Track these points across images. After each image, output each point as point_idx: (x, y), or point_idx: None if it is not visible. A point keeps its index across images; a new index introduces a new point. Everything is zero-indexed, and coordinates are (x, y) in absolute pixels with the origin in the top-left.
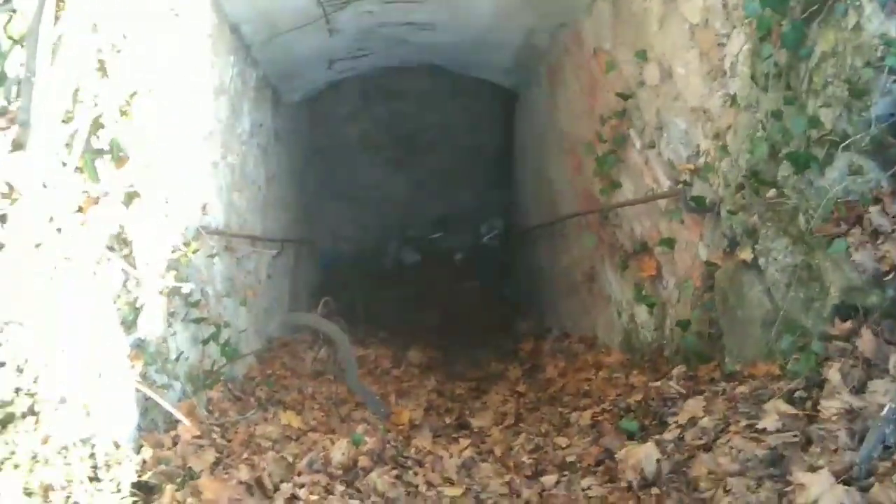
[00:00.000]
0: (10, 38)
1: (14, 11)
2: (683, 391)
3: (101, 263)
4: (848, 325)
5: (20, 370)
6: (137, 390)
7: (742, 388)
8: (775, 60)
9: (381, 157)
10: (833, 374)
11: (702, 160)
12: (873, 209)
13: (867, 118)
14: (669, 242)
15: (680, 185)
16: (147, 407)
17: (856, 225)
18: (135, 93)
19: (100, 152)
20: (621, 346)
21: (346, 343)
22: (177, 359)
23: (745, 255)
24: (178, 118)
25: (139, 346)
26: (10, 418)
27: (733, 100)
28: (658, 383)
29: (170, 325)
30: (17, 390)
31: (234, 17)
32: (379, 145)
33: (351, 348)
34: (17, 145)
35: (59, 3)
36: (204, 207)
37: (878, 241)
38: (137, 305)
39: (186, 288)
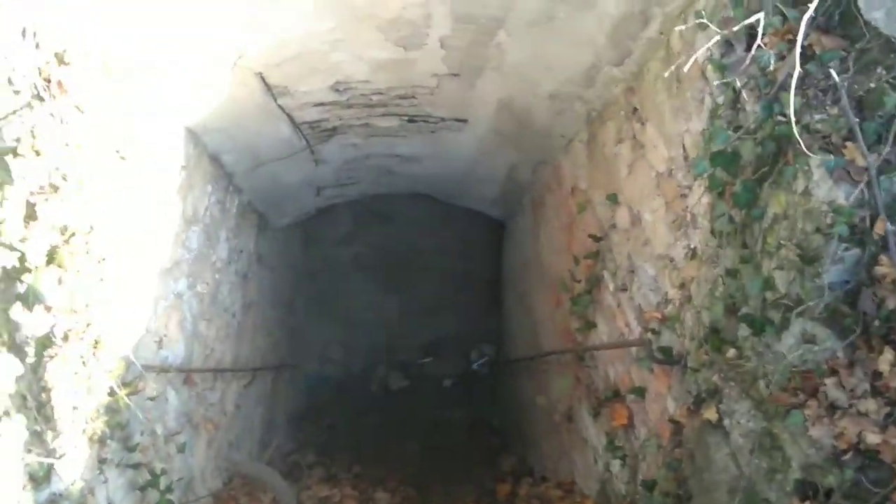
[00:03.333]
0: None
1: None
2: None
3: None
4: None
5: None
6: None
7: None
8: (731, 217)
9: (373, 280)
10: None
11: (669, 309)
12: (829, 381)
13: (820, 285)
14: (640, 391)
15: (648, 333)
16: None
17: (813, 396)
18: (73, 234)
19: (16, 298)
20: (598, 496)
21: (291, 497)
22: None
23: (710, 414)
24: (134, 253)
25: (53, 502)
26: None
27: (694, 252)
28: None
29: (100, 473)
30: None
31: (213, 148)
32: (371, 268)
33: (295, 501)
34: None
35: None
36: (160, 342)
37: (836, 417)
38: (56, 457)
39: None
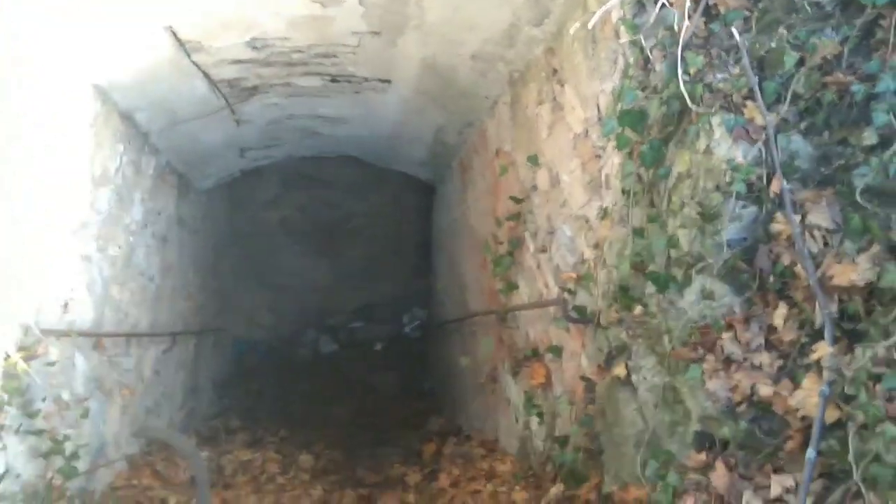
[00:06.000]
0: None
1: None
2: None
3: None
4: (703, 456)
5: None
6: None
7: None
8: (640, 177)
9: (303, 243)
10: None
11: (584, 269)
12: (726, 336)
13: (719, 242)
14: (557, 351)
15: (565, 293)
16: None
17: (711, 351)
18: None
19: None
20: (518, 452)
21: (200, 461)
22: (1, 478)
23: (620, 371)
24: (35, 213)
25: None
26: None
27: (606, 212)
28: None
29: None
30: None
31: (125, 105)
32: (300, 232)
33: (204, 466)
34: None
35: None
36: (66, 305)
37: (731, 370)
38: None
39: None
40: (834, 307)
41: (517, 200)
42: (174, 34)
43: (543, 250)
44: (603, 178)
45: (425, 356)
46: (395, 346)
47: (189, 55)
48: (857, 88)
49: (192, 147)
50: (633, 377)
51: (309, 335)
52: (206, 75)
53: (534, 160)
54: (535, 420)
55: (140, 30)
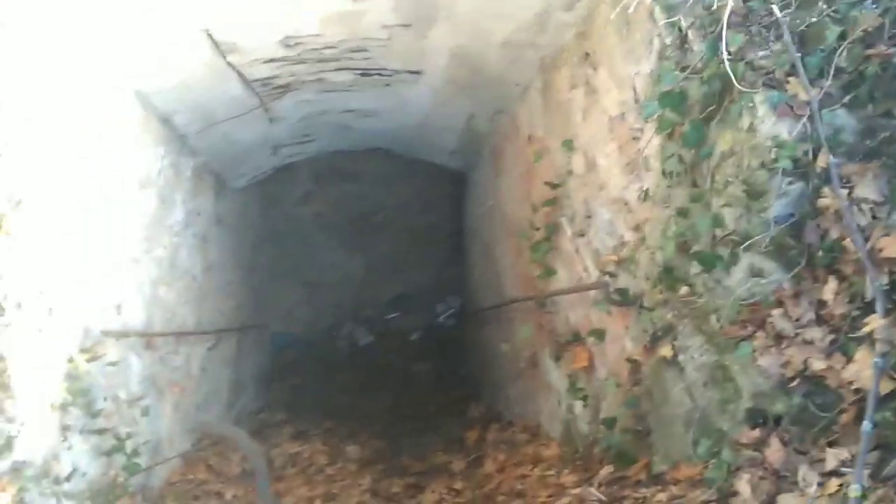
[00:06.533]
0: None
1: None
2: (604, 498)
3: None
4: (757, 432)
5: None
6: None
7: (661, 496)
8: (681, 158)
9: (336, 238)
10: (743, 486)
11: (625, 252)
12: (776, 312)
13: (766, 219)
14: (599, 334)
15: (606, 276)
16: None
17: (761, 328)
18: (19, 202)
19: None
20: (562, 436)
21: (258, 454)
22: (68, 477)
23: (666, 351)
24: (86, 219)
25: (16, 470)
26: None
27: (646, 194)
28: (579, 490)
29: (64, 439)
30: None
31: (164, 109)
32: (333, 226)
33: (262, 459)
34: None
35: None
36: (119, 307)
37: (782, 346)
38: (16, 426)
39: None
40: (884, 279)
41: (553, 186)
42: (210, 36)
43: (581, 234)
44: (641, 160)
45: (462, 344)
46: (430, 336)
47: (224, 56)
48: None
49: (227, 147)
50: (680, 357)
51: (346, 328)
52: (240, 75)
53: (568, 145)
54: (578, 404)
55: (178, 34)
